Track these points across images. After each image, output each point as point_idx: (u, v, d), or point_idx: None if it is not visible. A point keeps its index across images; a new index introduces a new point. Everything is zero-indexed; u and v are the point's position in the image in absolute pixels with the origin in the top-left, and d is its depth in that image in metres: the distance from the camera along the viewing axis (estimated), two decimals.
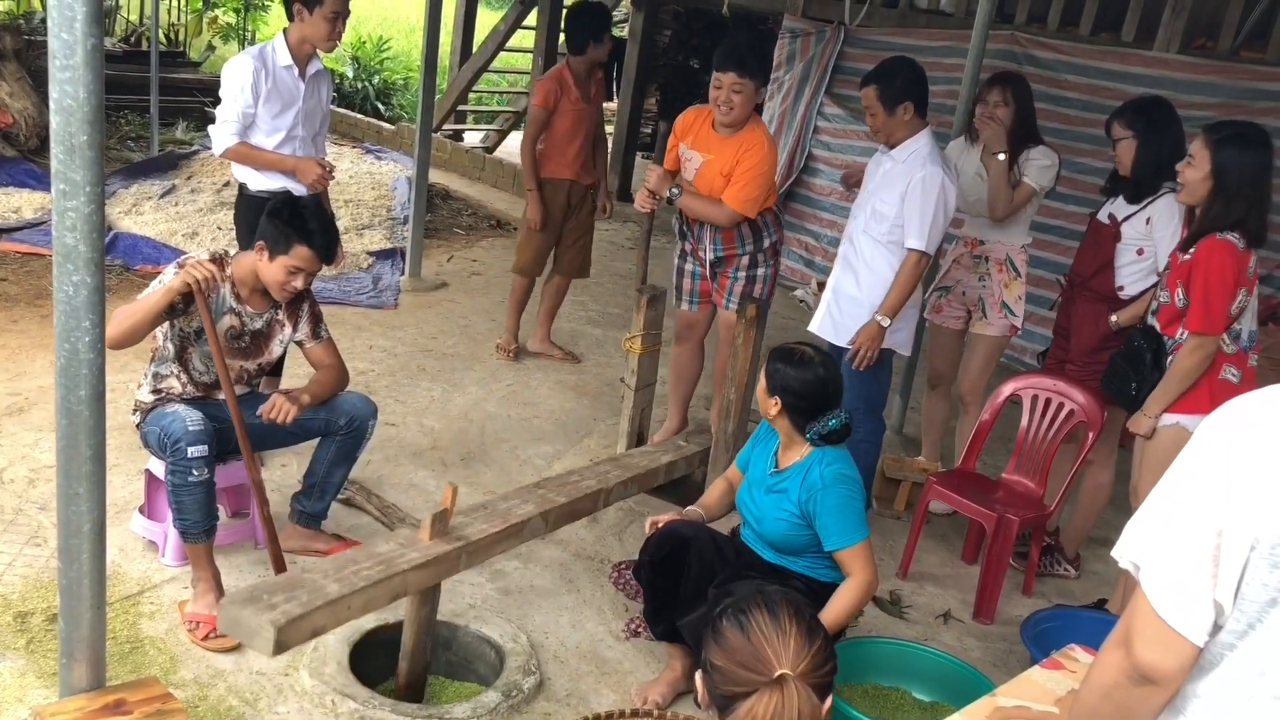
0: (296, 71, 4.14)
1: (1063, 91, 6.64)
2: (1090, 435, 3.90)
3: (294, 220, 3.31)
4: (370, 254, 7.16)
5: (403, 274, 6.83)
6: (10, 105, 7.66)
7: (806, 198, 8.12)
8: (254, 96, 4.06)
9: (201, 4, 11.14)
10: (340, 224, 7.68)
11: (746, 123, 4.21)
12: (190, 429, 3.14)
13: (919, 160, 3.90)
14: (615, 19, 13.27)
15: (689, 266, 4.50)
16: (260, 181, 4.19)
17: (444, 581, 3.40)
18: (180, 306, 3.23)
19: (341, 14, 4.06)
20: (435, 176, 9.71)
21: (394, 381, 5.23)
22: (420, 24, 7.42)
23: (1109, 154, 4.05)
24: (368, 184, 8.88)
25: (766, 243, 4.38)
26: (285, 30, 4.19)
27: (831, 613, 2.89)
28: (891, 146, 4.01)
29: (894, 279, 3.93)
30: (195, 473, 3.14)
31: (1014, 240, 4.42)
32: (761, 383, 3.11)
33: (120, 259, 6.19)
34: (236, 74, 4.07)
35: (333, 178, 4.36)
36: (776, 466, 3.14)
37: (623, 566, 3.81)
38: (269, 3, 12.36)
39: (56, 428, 2.38)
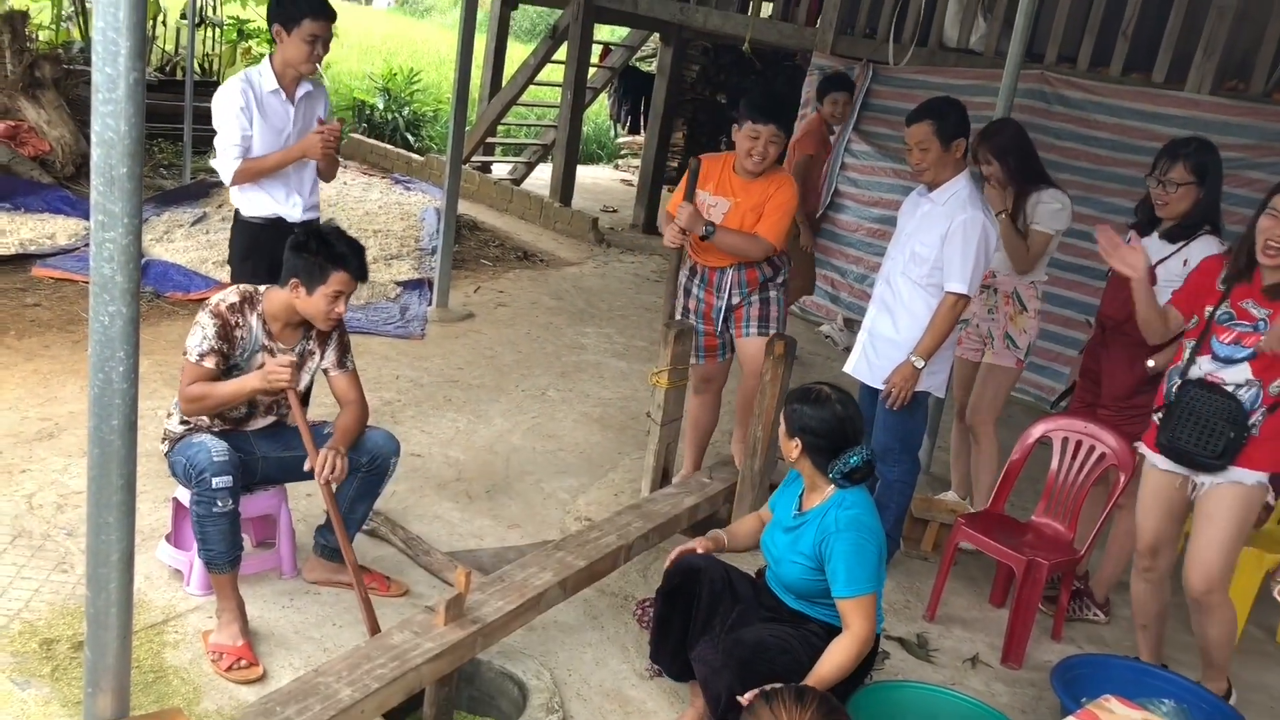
0: (284, 95, 4.09)
1: (1093, 131, 6.63)
2: (1122, 478, 3.86)
3: (323, 249, 3.33)
4: (398, 284, 7.20)
5: (430, 304, 6.85)
6: (48, 133, 7.77)
7: (833, 234, 8.12)
8: (248, 119, 4.02)
9: (236, 35, 11.27)
10: (368, 255, 7.75)
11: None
12: (215, 460, 3.14)
13: (959, 203, 3.88)
14: (643, 54, 13.42)
15: (691, 324, 4.48)
16: (252, 207, 4.16)
17: None
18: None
19: (320, 37, 3.99)
20: (463, 208, 9.77)
21: (420, 412, 5.23)
22: (451, 57, 7.50)
23: (1139, 193, 4.02)
24: (396, 214, 8.93)
25: (780, 278, 4.41)
26: (270, 55, 4.14)
27: (820, 672, 2.83)
28: (932, 188, 3.99)
29: (930, 320, 3.92)
30: (220, 503, 3.15)
31: (1024, 275, 4.41)
32: (782, 426, 3.08)
33: (151, 286, 6.24)
34: (227, 101, 4.01)
35: (341, 138, 4.22)
36: (800, 509, 3.11)
37: (646, 604, 3.77)
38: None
39: (88, 457, 2.39)
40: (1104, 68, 6.79)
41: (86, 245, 6.74)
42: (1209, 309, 3.35)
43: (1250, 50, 6.32)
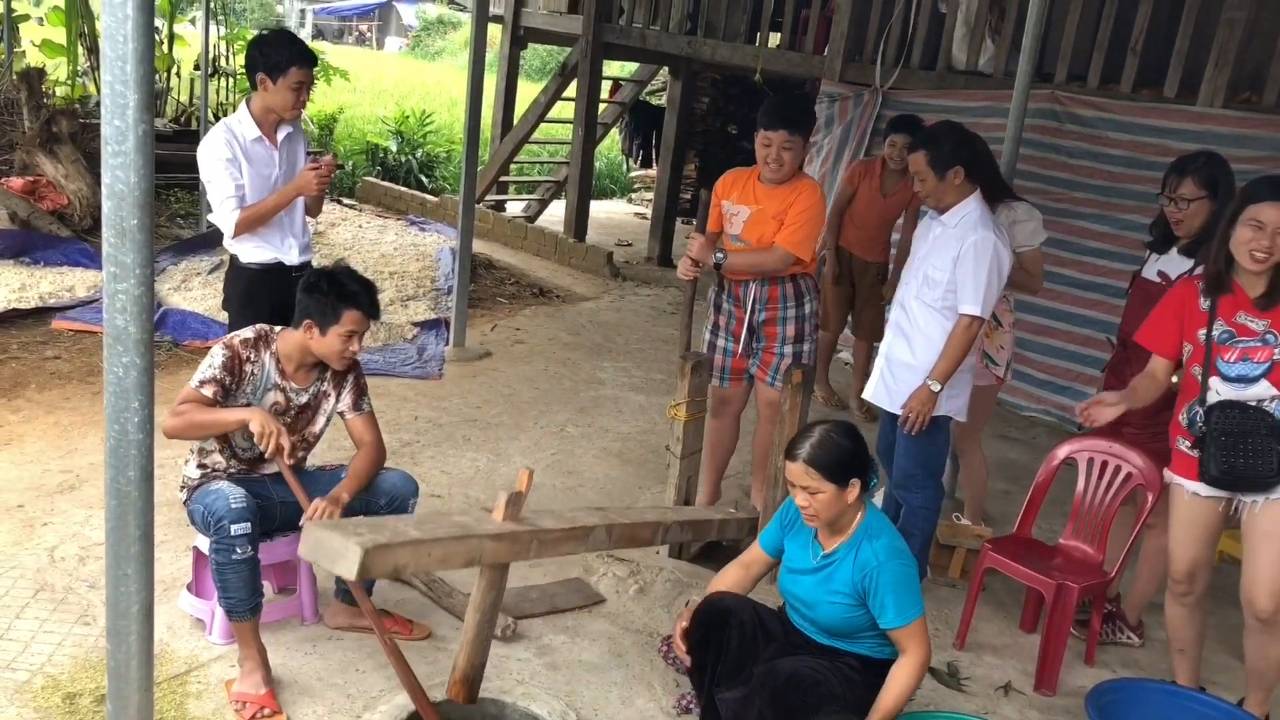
0: (266, 141, 4.11)
1: (1106, 149, 6.60)
2: (1149, 498, 3.80)
3: (334, 289, 3.34)
4: (415, 325, 7.22)
5: (447, 344, 6.86)
6: (66, 187, 7.85)
7: None
8: (238, 168, 4.02)
9: (249, 85, 11.38)
10: (384, 296, 7.79)
11: (793, 175, 4.25)
12: (234, 506, 3.13)
13: (969, 224, 3.87)
14: (653, 88, 13.49)
15: (720, 343, 4.48)
16: (251, 254, 4.17)
17: (490, 656, 3.36)
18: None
19: (305, 83, 4.03)
20: (478, 246, 9.79)
21: (439, 452, 5.22)
22: (462, 98, 7.56)
23: (1154, 209, 3.99)
24: (412, 255, 8.99)
25: (808, 307, 4.36)
26: (247, 101, 4.15)
27: (888, 699, 2.83)
28: (941, 211, 3.98)
29: (945, 344, 3.89)
30: (239, 550, 3.13)
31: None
32: (823, 481, 2.93)
33: (169, 335, 6.27)
34: (214, 153, 4.01)
35: (332, 169, 4.17)
36: (824, 551, 3.05)
37: (672, 640, 3.74)
38: (315, 79, 12.65)
39: (105, 508, 2.38)
40: (1114, 85, 6.77)
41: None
42: (1201, 332, 3.28)
43: (1263, 62, 6.29)
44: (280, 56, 3.98)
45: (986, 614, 4.24)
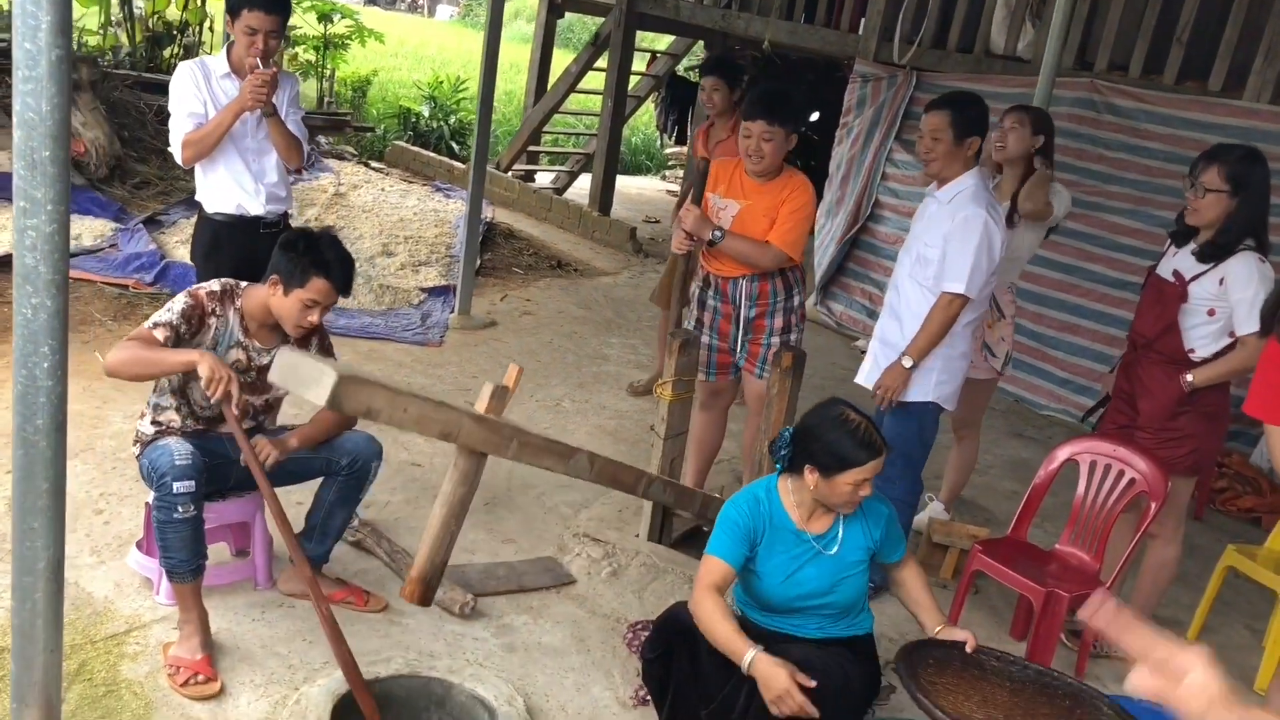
0: (238, 82, 3.96)
1: (1144, 142, 6.32)
2: (1152, 506, 3.59)
3: (310, 252, 3.19)
4: (423, 290, 7.09)
5: (452, 311, 6.72)
6: (83, 134, 7.78)
7: (872, 245, 7.87)
8: (199, 101, 3.92)
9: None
10: (396, 260, 7.67)
11: (782, 170, 4.04)
12: (177, 463, 3.00)
13: (963, 200, 3.67)
14: (692, 63, 13.25)
15: (705, 339, 4.27)
16: (215, 201, 4.05)
17: (446, 634, 3.24)
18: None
19: (260, 30, 3.83)
20: (502, 216, 9.70)
21: None
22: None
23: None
24: (431, 221, 8.85)
25: (796, 300, 4.18)
26: (228, 45, 4.05)
27: (927, 598, 3.01)
28: (939, 186, 3.78)
29: (923, 320, 3.70)
30: (180, 509, 3.00)
31: (1001, 279, 4.19)
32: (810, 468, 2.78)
33: (169, 288, 6.18)
34: (175, 81, 3.96)
35: (269, 79, 3.85)
36: (814, 533, 2.84)
37: (639, 627, 3.59)
38: (349, 41, 12.50)
39: (13, 459, 2.26)
40: (1157, 75, 6.47)
41: (111, 245, 6.72)
42: None
43: None
44: (235, 1, 3.85)
45: (977, 619, 4.04)
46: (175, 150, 4.00)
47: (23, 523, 2.29)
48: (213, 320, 3.20)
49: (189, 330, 3.14)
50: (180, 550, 3.04)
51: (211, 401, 3.07)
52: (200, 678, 2.99)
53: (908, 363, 3.71)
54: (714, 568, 2.77)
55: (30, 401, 2.21)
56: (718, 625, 2.66)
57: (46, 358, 2.20)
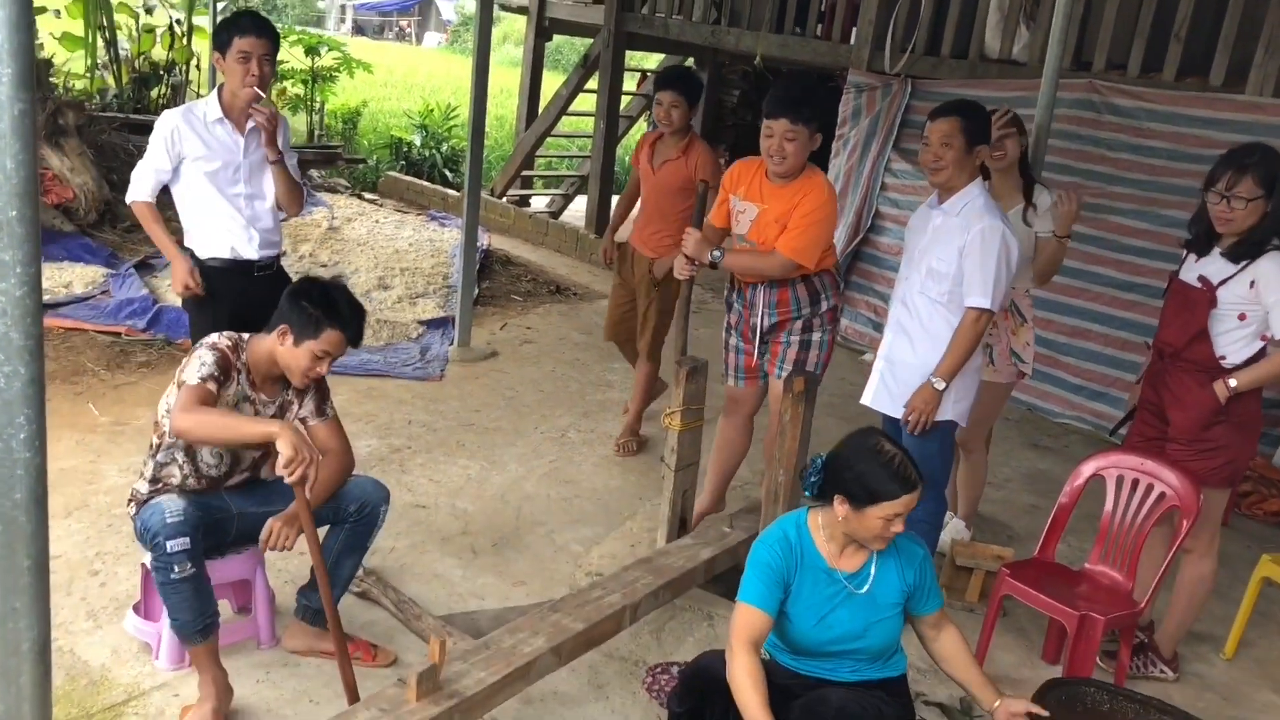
0: (231, 125, 3.89)
1: (1147, 141, 6.22)
2: (1185, 522, 3.46)
3: (323, 303, 3.08)
4: (421, 323, 6.97)
5: (452, 343, 6.60)
6: (71, 180, 7.69)
7: (874, 257, 7.75)
8: (169, 157, 3.87)
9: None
10: (393, 293, 7.56)
11: (803, 171, 3.91)
12: (169, 521, 2.87)
13: (975, 212, 3.56)
14: None
15: (733, 341, 4.18)
16: (207, 247, 3.97)
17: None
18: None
19: (253, 54, 3.77)
20: (498, 242, 9.59)
21: (430, 459, 4.96)
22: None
23: (1197, 204, 3.63)
24: (427, 251, 8.75)
25: (824, 306, 4.04)
26: (219, 87, 3.97)
27: (973, 666, 2.75)
28: (942, 199, 3.67)
29: (951, 339, 3.57)
30: (177, 568, 2.88)
31: (1017, 284, 4.08)
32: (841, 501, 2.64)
33: (163, 334, 6.07)
34: (157, 130, 3.89)
35: (272, 122, 3.85)
36: (846, 572, 2.70)
37: (658, 670, 3.46)
38: (338, 73, 12.45)
39: None
40: (1156, 73, 6.37)
41: (103, 292, 6.61)
42: None
43: None
44: (225, 34, 3.82)
45: (1006, 643, 3.91)
46: (130, 193, 3.96)
47: (5, 603, 2.16)
48: (233, 374, 3.09)
49: (221, 387, 3.03)
50: (183, 611, 2.92)
51: (286, 481, 2.79)
52: None
53: (939, 384, 3.59)
54: (750, 619, 2.60)
55: (7, 475, 2.08)
56: (745, 694, 2.48)
57: (23, 428, 2.07)
